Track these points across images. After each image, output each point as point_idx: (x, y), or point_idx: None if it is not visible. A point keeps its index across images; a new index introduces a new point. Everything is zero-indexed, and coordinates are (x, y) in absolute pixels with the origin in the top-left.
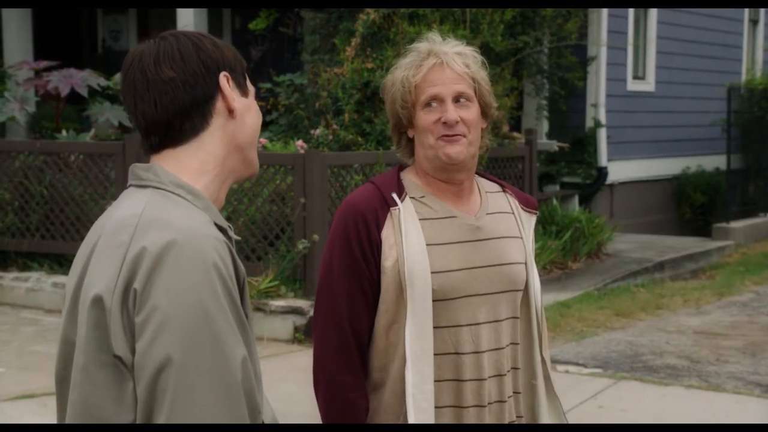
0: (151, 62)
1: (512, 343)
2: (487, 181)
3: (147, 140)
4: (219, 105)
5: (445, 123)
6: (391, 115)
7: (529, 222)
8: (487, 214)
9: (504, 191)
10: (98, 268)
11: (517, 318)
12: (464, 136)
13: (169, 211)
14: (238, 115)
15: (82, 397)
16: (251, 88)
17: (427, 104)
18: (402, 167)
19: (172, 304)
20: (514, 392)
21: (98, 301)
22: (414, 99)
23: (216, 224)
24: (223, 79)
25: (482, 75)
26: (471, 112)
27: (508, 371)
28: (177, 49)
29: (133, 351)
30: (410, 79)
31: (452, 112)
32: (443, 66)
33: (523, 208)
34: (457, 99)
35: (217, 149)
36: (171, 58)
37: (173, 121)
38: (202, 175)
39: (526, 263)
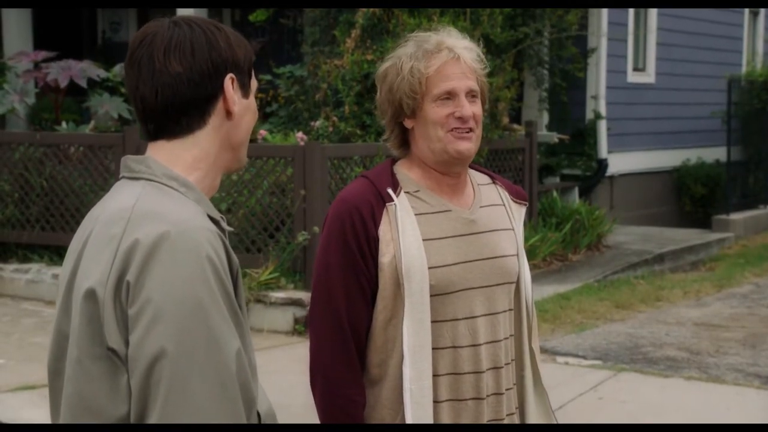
0: (161, 50)
1: (509, 336)
2: (479, 173)
3: (144, 125)
4: (219, 106)
5: (459, 118)
6: (390, 103)
7: (519, 213)
8: (481, 207)
9: (494, 183)
10: (91, 260)
11: (512, 310)
12: (473, 131)
13: (162, 204)
14: (236, 117)
15: (76, 389)
16: (254, 86)
17: (441, 98)
18: (394, 160)
19: (166, 297)
20: (513, 384)
21: (91, 294)
22: (424, 91)
23: (209, 216)
24: (228, 81)
25: (483, 70)
26: (479, 107)
27: (506, 364)
28: (190, 41)
29: (126, 343)
30: (422, 71)
31: (467, 108)
32: (459, 61)
33: (513, 200)
34: (468, 94)
35: (211, 148)
36: (182, 51)
37: (170, 113)
38: (195, 171)
39: (517, 255)
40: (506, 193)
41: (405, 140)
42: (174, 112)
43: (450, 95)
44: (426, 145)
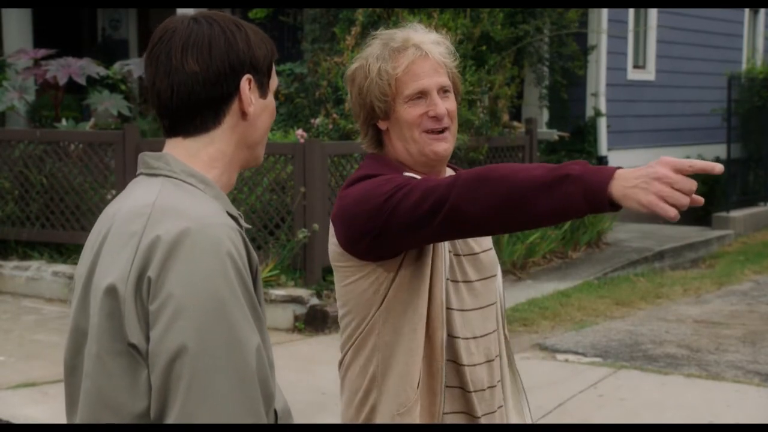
0: (179, 48)
1: (494, 330)
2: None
3: (161, 121)
4: (234, 106)
5: (434, 117)
6: (362, 106)
7: None
8: None
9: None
10: (110, 257)
11: (496, 303)
12: (448, 129)
13: (182, 200)
14: (251, 117)
15: (95, 385)
16: (273, 85)
17: (412, 98)
18: (375, 159)
19: (187, 293)
20: (500, 379)
21: (112, 291)
22: (394, 92)
23: (228, 212)
24: (245, 83)
25: (453, 62)
26: (453, 103)
27: (496, 356)
28: (208, 40)
29: (147, 339)
30: (389, 72)
31: (441, 106)
32: (426, 58)
33: None
34: (440, 91)
35: (227, 147)
36: (199, 50)
37: (186, 111)
38: (212, 169)
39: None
40: None
41: (380, 140)
42: (189, 110)
43: (422, 94)
44: (402, 147)
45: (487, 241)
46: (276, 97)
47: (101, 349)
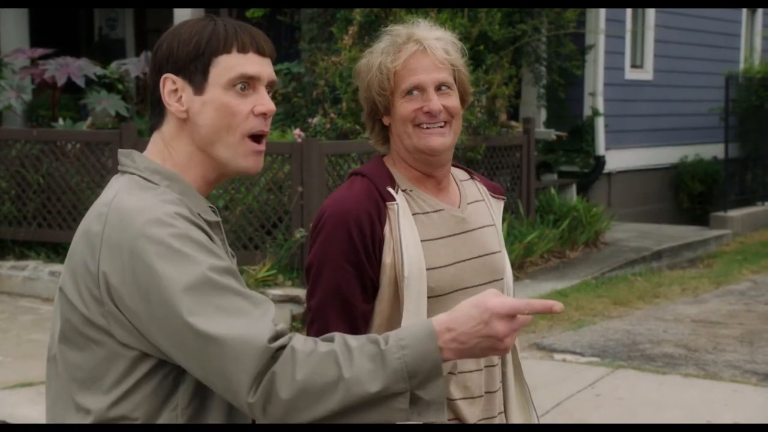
0: (156, 47)
1: None
2: (457, 169)
3: None
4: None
5: (428, 112)
6: (366, 101)
7: (498, 208)
8: (468, 204)
9: (473, 179)
10: (70, 256)
11: None
12: (447, 124)
13: (138, 198)
14: (190, 116)
15: (57, 386)
16: (219, 79)
17: (408, 92)
18: (381, 158)
19: (115, 266)
20: (501, 382)
21: (61, 290)
22: (393, 86)
23: (196, 210)
24: (162, 82)
25: (461, 61)
26: (453, 100)
27: (496, 364)
28: (156, 45)
29: (93, 324)
30: (389, 66)
31: (435, 102)
32: (425, 53)
33: (491, 195)
34: (438, 87)
35: (178, 145)
36: (155, 50)
37: (150, 109)
38: (176, 166)
39: (501, 251)
40: (484, 189)
41: (387, 137)
42: (150, 108)
43: (418, 89)
44: (401, 143)
45: (492, 243)
46: (273, 96)
47: (59, 351)
